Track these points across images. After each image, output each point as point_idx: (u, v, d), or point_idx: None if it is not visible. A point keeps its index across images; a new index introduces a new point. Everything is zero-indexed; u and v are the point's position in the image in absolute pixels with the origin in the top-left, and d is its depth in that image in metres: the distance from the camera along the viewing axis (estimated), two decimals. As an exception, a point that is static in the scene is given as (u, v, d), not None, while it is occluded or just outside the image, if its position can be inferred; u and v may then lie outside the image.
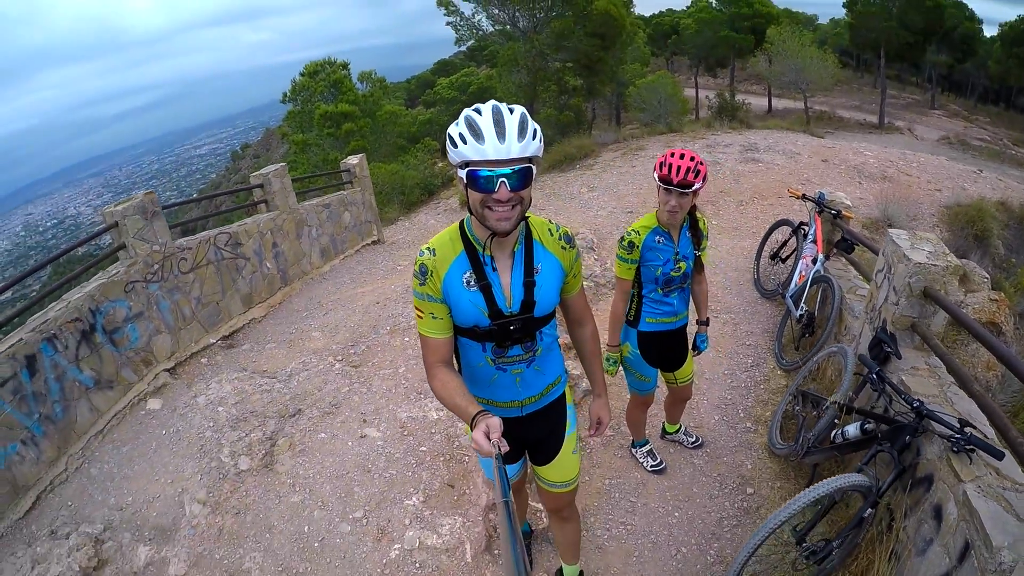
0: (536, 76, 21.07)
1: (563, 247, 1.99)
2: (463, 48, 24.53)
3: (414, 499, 3.49)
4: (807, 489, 2.57)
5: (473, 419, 1.67)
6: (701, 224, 3.08)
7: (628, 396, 3.66)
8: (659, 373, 3.41)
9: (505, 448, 1.54)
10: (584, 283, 4.29)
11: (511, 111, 1.69)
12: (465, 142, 1.65)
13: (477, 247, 1.86)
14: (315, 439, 4.09)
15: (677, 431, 4.02)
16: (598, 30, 19.48)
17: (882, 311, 3.48)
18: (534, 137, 1.69)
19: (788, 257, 5.91)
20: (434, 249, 1.87)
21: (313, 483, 3.70)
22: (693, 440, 3.99)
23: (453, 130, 1.70)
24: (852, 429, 2.95)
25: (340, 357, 5.17)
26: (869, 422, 2.88)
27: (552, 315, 2.03)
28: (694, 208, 3.01)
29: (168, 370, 5.42)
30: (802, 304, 4.69)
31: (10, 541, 3.58)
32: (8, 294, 5.61)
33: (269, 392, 4.66)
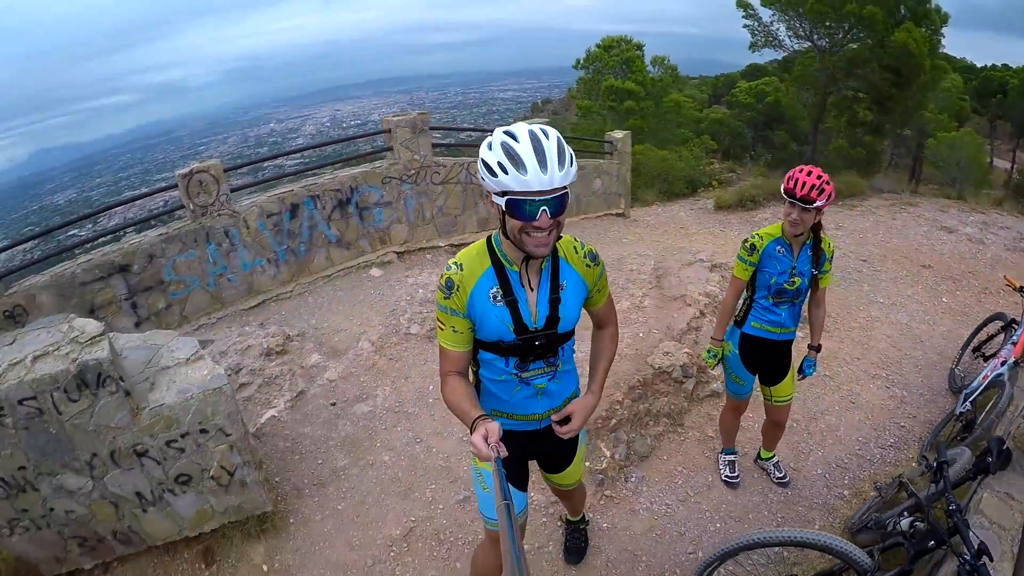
0: (825, 99, 19.61)
1: (588, 265, 2.04)
2: (773, 56, 23.25)
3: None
4: (793, 529, 2.66)
5: (473, 423, 1.73)
6: (824, 245, 3.15)
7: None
8: (756, 383, 3.52)
9: (504, 453, 1.59)
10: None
11: (546, 135, 1.70)
12: (506, 172, 1.65)
13: (505, 263, 1.91)
14: None
15: (770, 459, 4.05)
16: (894, 64, 17.31)
17: (1016, 420, 3.24)
18: (572, 163, 1.70)
19: (992, 355, 5.29)
20: (461, 264, 1.91)
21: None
22: (781, 476, 4.00)
23: (489, 157, 1.70)
24: (905, 522, 2.82)
25: None
26: (921, 520, 2.76)
27: (573, 331, 2.10)
28: (820, 227, 3.12)
29: (397, 253, 7.10)
30: (967, 403, 4.32)
31: (231, 321, 5.56)
32: (299, 158, 8.82)
33: None
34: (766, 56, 22.24)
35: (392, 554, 3.45)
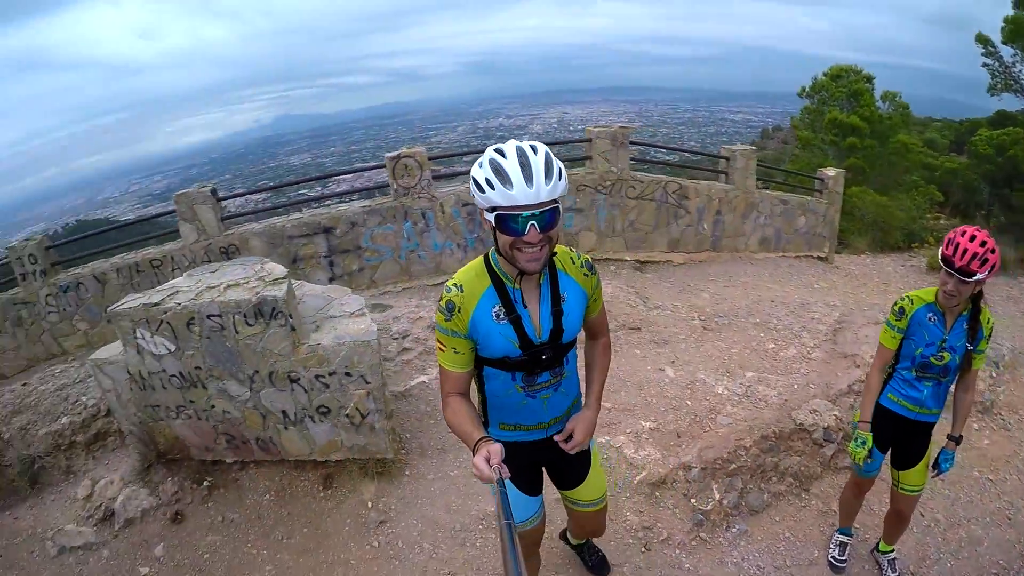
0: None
1: (585, 274, 2.03)
2: (1018, 104, 19.72)
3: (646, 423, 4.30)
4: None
5: (476, 444, 1.71)
6: (984, 320, 2.71)
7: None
8: (885, 464, 3.14)
9: (506, 474, 1.57)
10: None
11: (535, 150, 1.70)
12: (493, 187, 1.66)
13: (505, 281, 1.89)
14: (630, 352, 5.19)
15: (887, 553, 3.55)
16: None
17: None
18: (559, 177, 1.70)
19: None
20: (461, 285, 1.89)
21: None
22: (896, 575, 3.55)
23: (478, 173, 1.71)
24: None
25: (703, 317, 5.99)
26: None
27: (575, 340, 2.08)
28: (981, 297, 2.70)
29: None
30: None
31: (412, 294, 6.30)
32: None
33: (633, 308, 5.86)
34: (1008, 102, 19.09)
35: (480, 527, 3.63)
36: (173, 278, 6.94)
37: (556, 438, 2.10)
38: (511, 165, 1.65)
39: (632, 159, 7.80)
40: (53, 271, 8.04)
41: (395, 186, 7.04)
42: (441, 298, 1.90)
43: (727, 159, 8.56)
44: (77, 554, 4.08)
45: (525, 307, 1.91)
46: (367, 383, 3.70)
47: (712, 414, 4.34)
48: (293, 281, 4.25)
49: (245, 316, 3.54)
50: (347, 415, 3.80)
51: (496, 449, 1.64)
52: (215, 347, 3.70)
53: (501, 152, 1.70)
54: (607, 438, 4.13)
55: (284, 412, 3.88)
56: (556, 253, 1.93)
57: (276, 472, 4.14)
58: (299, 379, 3.73)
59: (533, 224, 1.67)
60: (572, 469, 2.33)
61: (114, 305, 3.78)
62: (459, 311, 1.86)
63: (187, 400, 3.94)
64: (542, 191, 1.65)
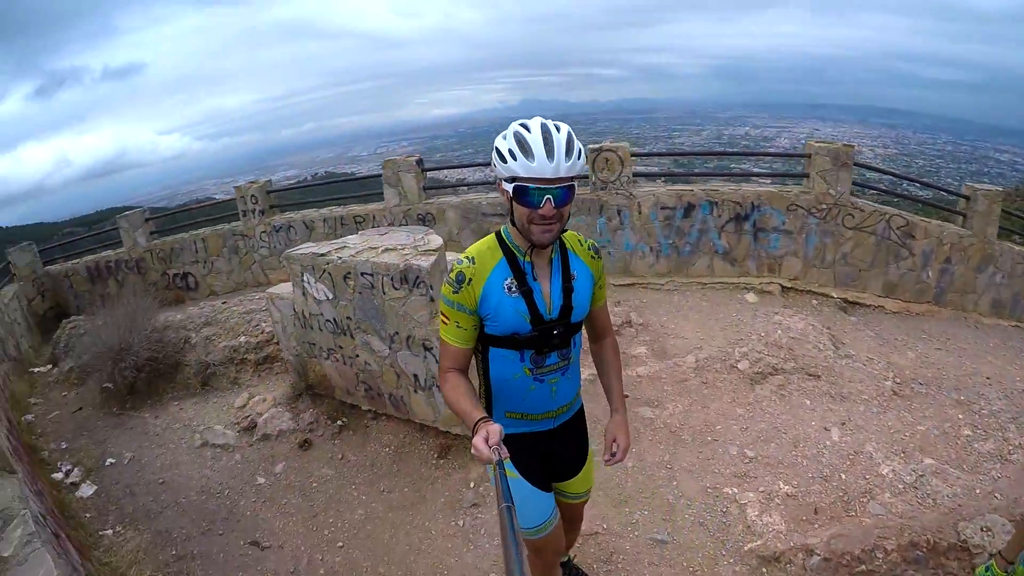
0: None
1: (592, 256, 2.03)
2: None
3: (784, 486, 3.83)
4: None
5: (475, 425, 1.67)
6: None
7: None
8: None
9: (505, 455, 1.54)
10: None
11: (558, 129, 1.72)
12: (515, 158, 1.71)
13: (517, 254, 1.90)
14: (798, 400, 4.68)
15: None
16: None
17: None
18: (579, 157, 1.73)
19: None
20: (473, 258, 1.90)
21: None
22: None
23: (501, 144, 1.76)
24: None
25: (899, 380, 5.15)
26: None
27: (582, 324, 2.06)
28: None
29: (782, 286, 6.57)
30: None
31: None
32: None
33: (820, 351, 5.20)
34: None
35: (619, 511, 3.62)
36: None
37: (605, 460, 2.12)
38: (535, 139, 1.69)
39: (854, 182, 6.78)
40: (270, 212, 9.32)
41: (594, 179, 6.95)
42: (451, 270, 1.90)
43: (967, 198, 6.97)
44: (215, 450, 4.82)
45: (536, 281, 1.90)
46: None
47: (865, 497, 3.70)
48: (455, 256, 4.45)
49: (392, 280, 3.77)
50: (472, 392, 3.93)
51: (496, 429, 1.58)
52: (365, 303, 3.99)
53: (526, 126, 1.73)
54: (735, 490, 3.74)
55: (416, 376, 4.08)
56: (565, 231, 1.94)
57: (402, 430, 4.41)
58: (432, 348, 3.88)
59: (549, 198, 1.70)
60: (571, 460, 2.29)
61: (291, 249, 4.25)
62: (469, 283, 1.85)
63: (337, 345, 4.33)
64: (562, 167, 1.68)
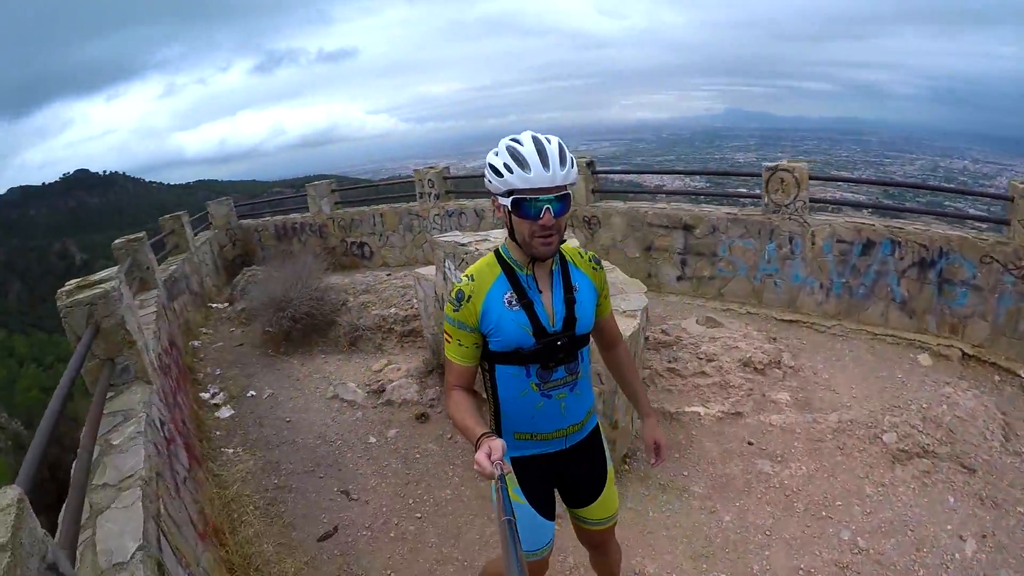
0: None
1: (594, 268, 2.03)
2: None
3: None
4: None
5: (478, 440, 1.66)
6: None
7: None
8: None
9: (508, 469, 1.54)
10: None
11: (548, 141, 1.76)
12: (511, 171, 1.73)
13: (516, 268, 1.90)
14: (941, 493, 3.97)
15: None
16: None
17: None
18: (572, 166, 1.76)
19: None
20: (472, 276, 1.90)
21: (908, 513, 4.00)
22: None
23: (495, 160, 1.78)
24: None
25: None
26: None
27: (589, 336, 2.02)
28: None
29: (964, 353, 5.46)
30: None
31: (753, 320, 6.05)
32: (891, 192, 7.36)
33: (984, 440, 4.33)
34: None
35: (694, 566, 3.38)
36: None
37: (652, 463, 2.16)
38: (528, 151, 1.73)
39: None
40: (445, 197, 9.84)
41: (767, 200, 6.33)
42: (452, 289, 1.93)
43: None
44: (341, 404, 5.25)
45: (538, 294, 1.90)
46: (600, 383, 3.69)
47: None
48: (609, 267, 4.48)
49: None
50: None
51: (498, 445, 1.58)
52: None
53: (518, 140, 1.78)
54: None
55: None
56: (564, 240, 1.95)
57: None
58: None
59: (548, 208, 1.73)
60: (588, 485, 2.19)
61: (439, 235, 4.54)
62: (468, 300, 1.86)
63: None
64: (558, 175, 1.72)
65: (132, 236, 5.94)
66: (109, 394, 3.31)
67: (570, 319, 1.91)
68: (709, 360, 4.91)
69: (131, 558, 1.98)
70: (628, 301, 4.12)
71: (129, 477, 2.46)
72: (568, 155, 1.77)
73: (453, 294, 1.90)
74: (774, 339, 5.49)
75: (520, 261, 1.89)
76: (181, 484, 3.24)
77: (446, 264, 4.53)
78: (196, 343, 7.09)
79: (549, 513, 2.13)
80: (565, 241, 1.97)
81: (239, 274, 9.22)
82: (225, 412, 5.36)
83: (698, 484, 3.89)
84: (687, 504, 3.73)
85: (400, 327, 6.44)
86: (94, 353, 3.29)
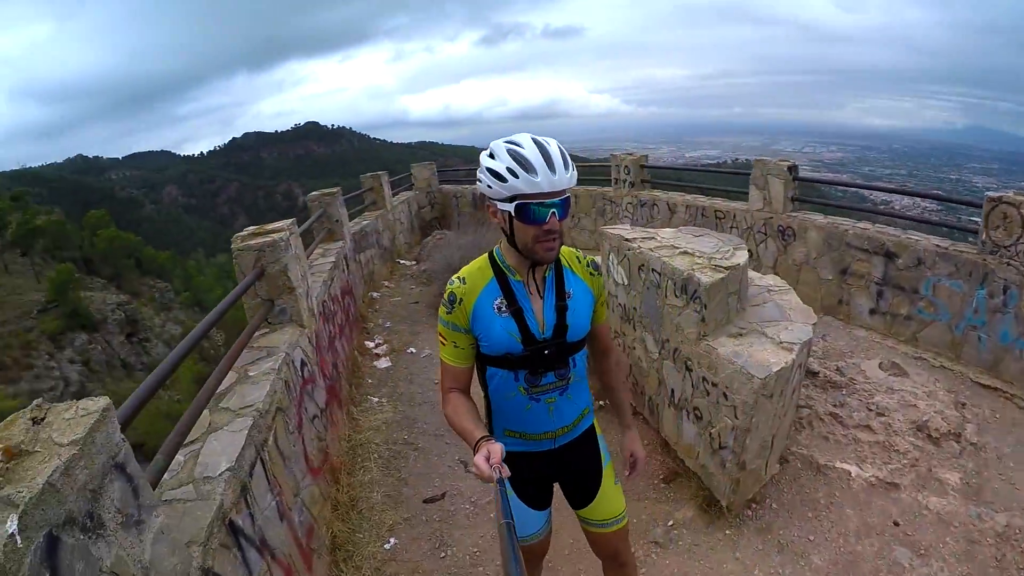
0: None
1: (591, 273, 1.99)
2: None
3: None
4: None
5: (476, 444, 1.65)
6: None
7: None
8: None
9: (506, 473, 1.52)
10: None
11: (548, 143, 1.69)
12: (516, 176, 1.65)
13: (508, 274, 1.86)
14: None
15: None
16: None
17: None
18: (573, 168, 1.71)
19: None
20: (464, 278, 1.87)
21: None
22: None
23: (495, 164, 1.69)
24: None
25: None
26: None
27: (583, 342, 1.98)
28: None
29: None
30: None
31: (945, 378, 5.02)
32: None
33: None
34: None
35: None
36: (729, 231, 7.21)
37: (626, 475, 2.22)
38: (532, 154, 1.66)
39: None
40: (640, 186, 9.50)
41: (984, 236, 5.08)
42: (445, 290, 1.90)
43: None
44: None
45: (528, 301, 1.86)
46: (735, 418, 3.30)
47: None
48: (782, 286, 4.04)
49: (675, 285, 3.58)
50: (709, 432, 3.56)
51: (497, 449, 1.57)
52: (649, 299, 3.91)
53: (517, 143, 1.70)
54: None
55: (672, 391, 3.87)
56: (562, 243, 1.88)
57: (646, 437, 4.22)
58: (692, 369, 3.62)
59: (554, 212, 1.68)
60: (582, 484, 2.17)
61: (607, 227, 4.38)
62: (460, 303, 1.85)
63: (622, 331, 4.39)
64: (563, 178, 1.67)
65: (326, 190, 6.63)
66: (264, 330, 3.73)
67: (561, 326, 1.89)
68: (879, 414, 4.20)
69: (219, 475, 2.20)
70: (789, 331, 3.55)
71: (248, 407, 2.72)
72: (568, 157, 1.72)
73: (446, 295, 1.89)
74: (962, 404, 4.51)
75: (514, 266, 1.87)
76: (309, 421, 3.54)
77: (610, 258, 4.38)
78: (376, 294, 7.73)
79: (538, 505, 2.14)
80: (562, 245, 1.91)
81: (428, 236, 9.86)
82: (383, 363, 5.79)
83: (820, 555, 3.29)
84: (799, 573, 3.22)
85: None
86: (257, 293, 3.71)
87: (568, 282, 1.94)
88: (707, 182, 10.03)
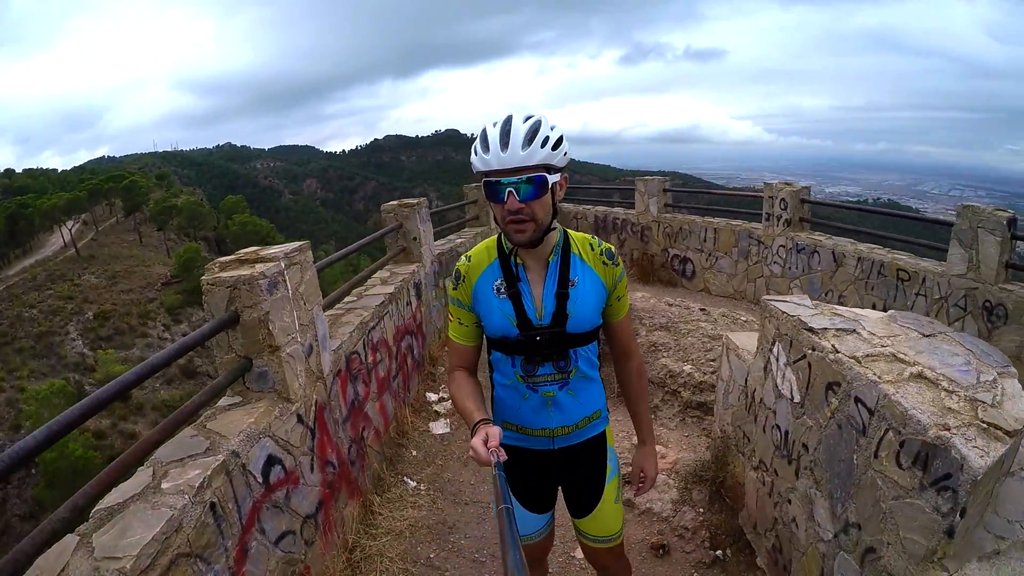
0: None
1: (604, 262, 1.83)
2: None
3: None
4: None
5: (475, 426, 1.61)
6: None
7: None
8: None
9: (503, 457, 1.46)
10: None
11: (526, 120, 1.60)
12: (476, 153, 1.64)
13: (510, 256, 1.79)
14: None
15: None
16: None
17: None
18: (545, 144, 1.57)
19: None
20: (471, 256, 1.85)
21: None
22: None
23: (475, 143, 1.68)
24: None
25: None
26: None
27: (591, 336, 1.83)
28: None
29: None
30: None
31: None
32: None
33: None
34: None
35: None
36: (914, 300, 5.33)
37: (628, 492, 2.36)
38: (492, 131, 1.61)
39: None
40: (798, 225, 7.58)
41: None
42: (455, 269, 1.87)
43: None
44: None
45: (528, 284, 1.77)
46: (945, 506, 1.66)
47: None
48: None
49: (903, 444, 1.91)
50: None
51: (495, 432, 1.53)
52: (837, 444, 2.26)
53: (494, 121, 1.65)
54: None
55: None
56: (568, 233, 1.83)
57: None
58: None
59: (511, 191, 1.58)
60: (579, 496, 2.01)
61: (773, 298, 2.74)
62: (464, 280, 1.83)
63: (772, 465, 2.73)
64: (516, 156, 1.55)
65: (407, 201, 5.37)
66: (235, 399, 2.56)
67: (560, 315, 1.76)
68: None
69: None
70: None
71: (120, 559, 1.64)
72: (543, 133, 1.58)
73: (454, 272, 1.86)
74: None
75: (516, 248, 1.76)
76: (269, 546, 2.33)
77: (774, 349, 2.75)
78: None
79: (539, 508, 2.01)
80: (554, 229, 1.76)
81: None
82: (440, 426, 4.47)
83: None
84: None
85: (688, 393, 4.77)
86: (231, 346, 2.54)
87: (574, 269, 1.79)
88: (876, 227, 7.88)
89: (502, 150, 1.56)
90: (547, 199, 1.63)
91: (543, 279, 1.77)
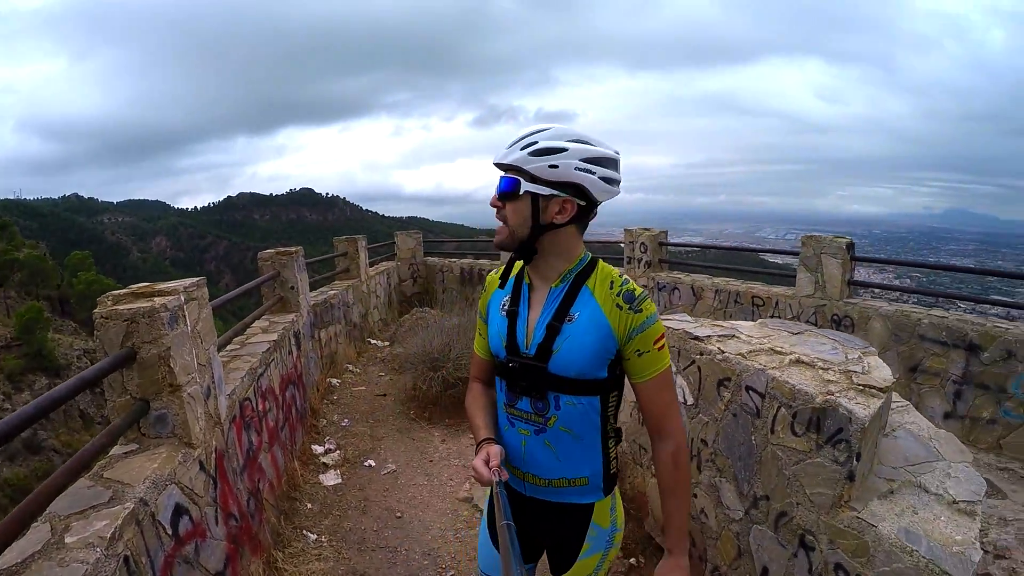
0: None
1: (619, 304, 1.50)
2: None
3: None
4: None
5: (479, 444, 1.56)
6: None
7: None
8: None
9: (504, 476, 1.42)
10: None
11: (547, 128, 1.48)
12: None
13: (525, 277, 1.64)
14: None
15: None
16: None
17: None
18: (528, 148, 1.44)
19: None
20: (499, 269, 1.72)
21: None
22: None
23: None
24: None
25: None
26: None
27: (582, 388, 1.52)
28: None
29: None
30: None
31: None
32: None
33: None
34: None
35: None
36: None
37: None
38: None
39: None
40: (658, 266, 8.28)
41: None
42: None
43: None
44: (472, 513, 3.73)
45: (528, 308, 1.60)
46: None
47: None
48: (900, 402, 2.70)
49: (795, 416, 2.21)
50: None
51: (496, 451, 1.49)
52: (735, 431, 2.54)
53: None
54: None
55: (766, 571, 2.47)
56: (598, 264, 1.60)
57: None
58: (813, 548, 2.21)
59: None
60: (553, 554, 1.73)
61: (663, 317, 3.04)
62: (485, 291, 1.77)
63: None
64: (499, 153, 1.51)
65: (284, 249, 5.22)
66: (131, 446, 2.33)
67: (546, 348, 1.53)
68: (998, 556, 3.11)
69: None
70: (955, 479, 2.15)
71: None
72: (531, 139, 1.45)
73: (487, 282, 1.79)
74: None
75: (531, 269, 1.63)
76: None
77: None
78: (336, 381, 6.19)
79: (526, 557, 1.76)
80: (599, 263, 1.60)
81: (408, 313, 8.45)
82: (330, 478, 4.27)
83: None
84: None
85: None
86: (126, 387, 2.32)
87: (579, 303, 1.54)
88: (729, 262, 8.80)
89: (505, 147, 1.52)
90: (523, 208, 1.47)
91: (543, 305, 1.57)
